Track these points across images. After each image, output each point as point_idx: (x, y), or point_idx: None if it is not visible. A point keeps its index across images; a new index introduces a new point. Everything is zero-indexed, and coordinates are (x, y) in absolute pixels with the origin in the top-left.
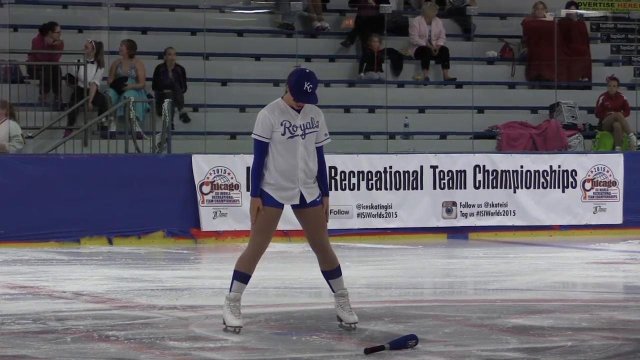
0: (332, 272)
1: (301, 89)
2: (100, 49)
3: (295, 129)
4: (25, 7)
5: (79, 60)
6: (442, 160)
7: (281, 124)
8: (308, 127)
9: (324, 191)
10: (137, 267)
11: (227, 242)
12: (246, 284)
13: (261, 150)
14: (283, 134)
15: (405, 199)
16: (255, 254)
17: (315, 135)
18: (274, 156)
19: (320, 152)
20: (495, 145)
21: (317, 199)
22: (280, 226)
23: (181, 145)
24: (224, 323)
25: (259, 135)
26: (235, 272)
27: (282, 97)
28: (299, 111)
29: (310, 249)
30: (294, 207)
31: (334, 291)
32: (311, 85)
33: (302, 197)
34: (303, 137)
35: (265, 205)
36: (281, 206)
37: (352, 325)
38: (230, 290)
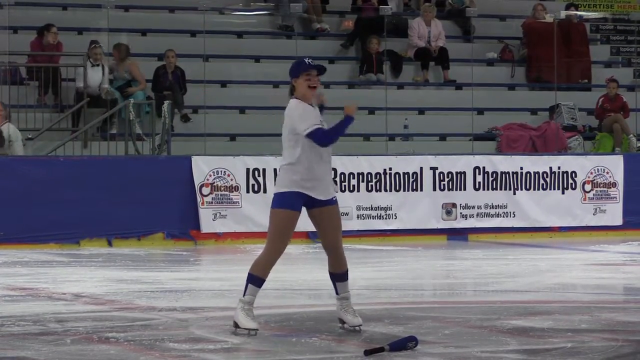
0: (340, 275)
1: (304, 62)
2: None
3: (323, 122)
4: (25, 9)
5: (83, 66)
6: (442, 161)
7: (320, 122)
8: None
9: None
10: (137, 269)
11: (226, 244)
12: (260, 287)
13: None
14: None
15: (405, 200)
16: (271, 260)
17: None
18: (307, 153)
19: None
20: (495, 146)
21: (333, 198)
22: None
23: (181, 146)
24: (236, 326)
25: (312, 125)
26: (250, 275)
27: (295, 97)
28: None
29: (312, 251)
30: (310, 207)
31: (337, 293)
32: (311, 60)
33: (313, 199)
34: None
35: (285, 208)
36: (299, 210)
37: (357, 328)
38: (244, 294)
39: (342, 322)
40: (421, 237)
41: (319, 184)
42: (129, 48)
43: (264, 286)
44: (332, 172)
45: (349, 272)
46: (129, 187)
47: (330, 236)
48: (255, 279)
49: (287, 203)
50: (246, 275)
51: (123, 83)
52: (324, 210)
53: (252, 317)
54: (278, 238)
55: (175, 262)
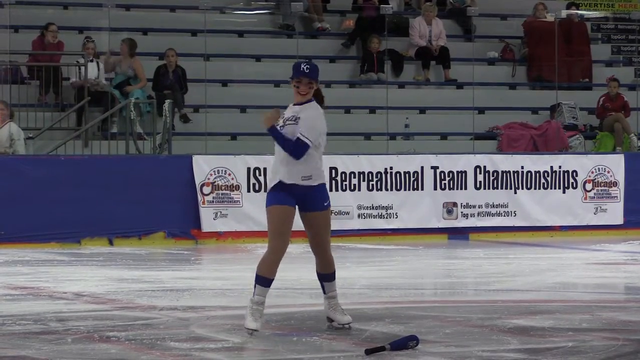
0: (328, 275)
1: (299, 68)
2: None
3: (280, 120)
4: (26, 8)
5: (77, 62)
6: (443, 161)
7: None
8: (290, 119)
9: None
10: (138, 268)
11: (227, 243)
12: (269, 287)
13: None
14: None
15: (406, 199)
16: (274, 258)
17: (293, 129)
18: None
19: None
20: (496, 146)
21: (325, 204)
22: None
23: (182, 146)
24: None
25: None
26: (256, 276)
27: None
28: (295, 106)
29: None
30: (301, 210)
31: (325, 292)
32: (308, 65)
33: (305, 201)
34: (282, 127)
35: (277, 204)
36: (292, 205)
37: (347, 326)
38: (253, 294)
39: (331, 320)
40: (422, 237)
41: (281, 173)
42: (136, 44)
43: None
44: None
45: (349, 271)
46: (130, 187)
47: (317, 239)
48: (262, 279)
49: (278, 199)
50: (250, 274)
51: (123, 80)
52: (313, 215)
53: (257, 317)
54: (277, 235)
55: (176, 261)
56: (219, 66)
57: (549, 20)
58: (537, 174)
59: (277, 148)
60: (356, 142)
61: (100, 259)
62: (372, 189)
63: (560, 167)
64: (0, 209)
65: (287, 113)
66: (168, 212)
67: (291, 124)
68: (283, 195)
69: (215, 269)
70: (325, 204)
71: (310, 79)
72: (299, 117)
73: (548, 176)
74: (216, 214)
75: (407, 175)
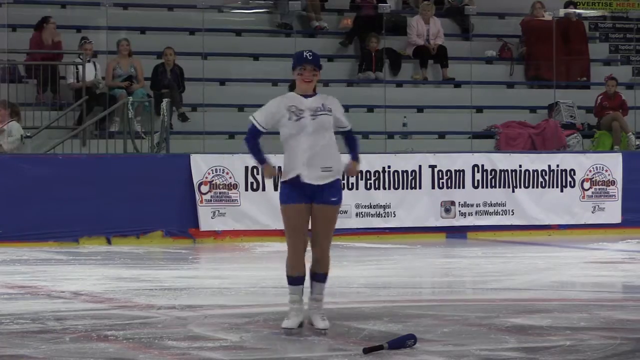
0: (320, 276)
1: (302, 56)
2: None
3: (301, 112)
4: (24, 7)
5: (74, 62)
6: (441, 159)
7: (287, 110)
8: (319, 110)
9: (353, 156)
10: (136, 267)
11: (225, 242)
12: (298, 284)
13: (254, 136)
14: (289, 119)
15: (403, 198)
16: (292, 256)
17: (330, 119)
18: (288, 146)
19: (348, 137)
20: (494, 144)
21: (335, 199)
22: (280, 226)
23: (179, 145)
24: None
25: (255, 119)
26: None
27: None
28: (307, 98)
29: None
30: (313, 200)
31: (311, 293)
32: (310, 53)
33: (316, 192)
34: (314, 117)
35: (286, 203)
36: (300, 202)
37: (323, 332)
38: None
39: (311, 323)
40: (420, 235)
41: (303, 169)
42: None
43: (263, 284)
44: (330, 158)
45: (347, 270)
46: (128, 185)
47: (320, 235)
48: (288, 278)
49: (286, 197)
50: (248, 273)
51: (125, 79)
52: (320, 208)
53: (291, 316)
54: (288, 233)
55: (174, 260)
56: (216, 65)
57: (547, 19)
58: (535, 173)
59: (298, 143)
60: None
61: (98, 257)
62: (370, 188)
63: (558, 165)
64: None
65: (303, 104)
66: (166, 211)
67: (326, 114)
68: (290, 192)
69: (213, 268)
70: (336, 199)
71: (314, 66)
72: (331, 108)
73: (546, 175)
74: (214, 212)
75: (405, 174)
